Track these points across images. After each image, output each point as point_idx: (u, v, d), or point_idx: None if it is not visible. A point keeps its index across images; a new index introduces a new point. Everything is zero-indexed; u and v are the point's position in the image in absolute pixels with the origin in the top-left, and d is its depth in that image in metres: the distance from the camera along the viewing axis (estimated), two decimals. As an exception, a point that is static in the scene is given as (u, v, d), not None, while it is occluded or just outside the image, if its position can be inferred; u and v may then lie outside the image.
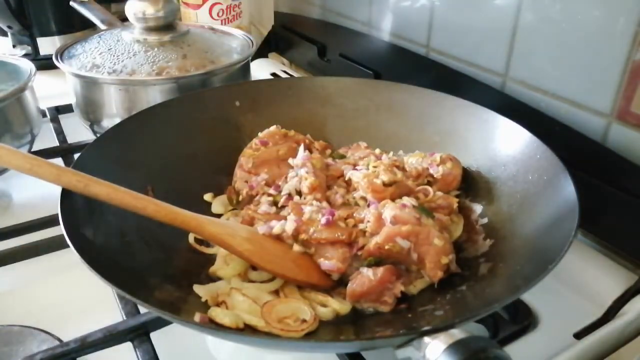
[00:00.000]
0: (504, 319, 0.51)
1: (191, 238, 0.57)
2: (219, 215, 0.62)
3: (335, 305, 0.48)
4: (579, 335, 0.51)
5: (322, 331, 0.46)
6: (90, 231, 0.48)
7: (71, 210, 0.47)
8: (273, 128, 0.68)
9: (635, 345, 0.51)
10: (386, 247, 0.50)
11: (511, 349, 0.49)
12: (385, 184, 0.56)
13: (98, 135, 0.80)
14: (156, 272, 0.51)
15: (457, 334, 0.34)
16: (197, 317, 0.45)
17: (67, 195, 0.48)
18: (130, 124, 0.62)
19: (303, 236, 0.52)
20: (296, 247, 0.52)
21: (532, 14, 0.66)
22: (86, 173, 0.53)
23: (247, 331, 0.45)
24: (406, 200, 0.54)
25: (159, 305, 0.41)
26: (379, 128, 0.70)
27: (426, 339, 0.35)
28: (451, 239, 0.56)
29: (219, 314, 0.45)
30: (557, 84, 0.65)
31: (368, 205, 0.57)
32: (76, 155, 0.78)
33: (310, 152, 0.68)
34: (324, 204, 0.56)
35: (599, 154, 0.61)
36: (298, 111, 0.72)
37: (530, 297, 0.54)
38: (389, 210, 0.52)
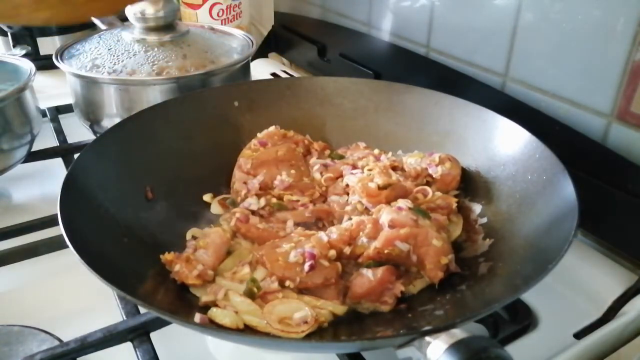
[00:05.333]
0: (504, 319, 0.51)
1: (188, 235, 0.57)
2: (218, 216, 0.62)
3: (330, 308, 0.48)
4: (579, 335, 0.51)
5: (322, 331, 0.46)
6: (89, 231, 0.48)
7: (70, 210, 0.47)
8: (272, 128, 0.68)
9: (635, 345, 0.51)
10: (386, 251, 0.50)
11: (511, 349, 0.49)
12: (380, 187, 0.56)
13: (98, 135, 0.80)
14: (156, 273, 0.51)
15: (458, 333, 0.34)
16: (197, 317, 0.45)
17: (66, 195, 0.48)
18: (130, 124, 0.62)
19: (289, 284, 0.49)
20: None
21: (532, 14, 0.66)
22: (85, 172, 0.53)
23: (247, 332, 0.45)
24: (401, 202, 0.54)
25: (158, 305, 0.41)
26: (378, 128, 0.70)
27: (427, 338, 0.35)
28: (450, 239, 0.56)
29: (218, 315, 0.45)
30: (557, 84, 0.65)
31: (365, 209, 0.57)
32: (76, 155, 0.78)
33: (309, 152, 0.68)
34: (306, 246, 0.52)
35: (599, 154, 0.61)
36: (297, 111, 0.72)
37: (530, 297, 0.54)
38: (386, 214, 0.52)
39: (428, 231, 0.51)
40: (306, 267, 0.49)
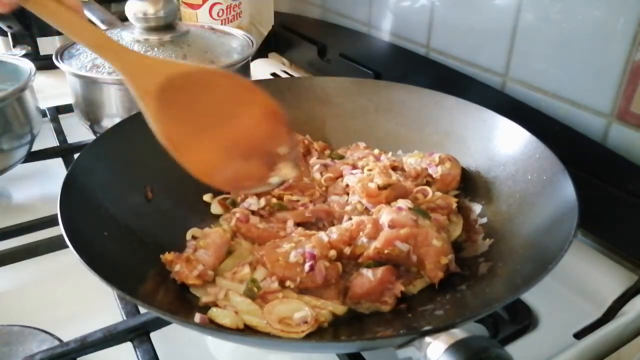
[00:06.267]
0: (504, 319, 0.51)
1: (188, 235, 0.57)
2: (218, 216, 0.62)
3: (330, 308, 0.48)
4: (579, 335, 0.51)
5: (322, 331, 0.46)
6: (89, 231, 0.48)
7: (71, 210, 0.47)
8: (272, 128, 0.68)
9: (635, 345, 0.51)
10: (385, 251, 0.50)
11: (511, 349, 0.49)
12: (380, 188, 0.56)
13: (98, 135, 0.80)
14: (156, 273, 0.51)
15: (458, 333, 0.34)
16: (197, 317, 0.45)
17: (66, 195, 0.48)
18: (130, 124, 0.62)
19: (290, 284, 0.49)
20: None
21: (532, 14, 0.66)
22: (85, 172, 0.53)
23: (247, 332, 0.45)
24: (401, 202, 0.54)
25: (158, 305, 0.41)
26: (377, 128, 0.70)
27: (427, 338, 0.35)
28: (450, 239, 0.56)
29: (219, 315, 0.45)
30: (557, 84, 0.65)
31: (365, 209, 0.57)
32: (76, 156, 0.78)
33: (310, 152, 0.68)
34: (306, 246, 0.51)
35: (599, 154, 0.61)
36: (297, 111, 0.72)
37: (530, 297, 0.54)
38: (386, 214, 0.52)
39: (428, 231, 0.51)
40: (306, 267, 0.49)
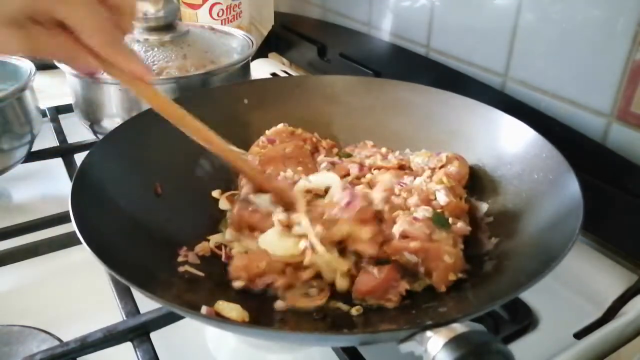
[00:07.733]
0: (504, 318, 0.51)
1: (211, 243, 0.57)
2: (225, 212, 0.62)
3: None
4: (579, 335, 0.51)
5: (325, 324, 0.46)
6: (100, 225, 0.48)
7: (82, 204, 0.47)
8: (280, 126, 0.68)
9: (635, 345, 0.51)
10: (393, 258, 0.50)
11: (511, 349, 0.49)
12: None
13: (98, 135, 0.80)
14: (164, 267, 0.51)
15: (459, 328, 0.34)
16: (204, 310, 0.45)
17: (78, 188, 0.48)
18: (138, 122, 0.62)
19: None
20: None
21: (532, 14, 0.66)
22: (94, 171, 0.53)
23: (252, 324, 0.45)
24: (420, 212, 0.52)
25: (168, 299, 0.41)
26: (385, 127, 0.70)
27: (428, 333, 0.35)
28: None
29: (225, 308, 0.45)
30: (557, 84, 0.65)
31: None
32: (76, 155, 0.78)
33: (317, 150, 0.68)
34: None
35: (599, 154, 0.61)
36: (305, 109, 0.72)
37: (530, 297, 0.54)
38: (400, 224, 0.51)
39: (440, 247, 0.49)
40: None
